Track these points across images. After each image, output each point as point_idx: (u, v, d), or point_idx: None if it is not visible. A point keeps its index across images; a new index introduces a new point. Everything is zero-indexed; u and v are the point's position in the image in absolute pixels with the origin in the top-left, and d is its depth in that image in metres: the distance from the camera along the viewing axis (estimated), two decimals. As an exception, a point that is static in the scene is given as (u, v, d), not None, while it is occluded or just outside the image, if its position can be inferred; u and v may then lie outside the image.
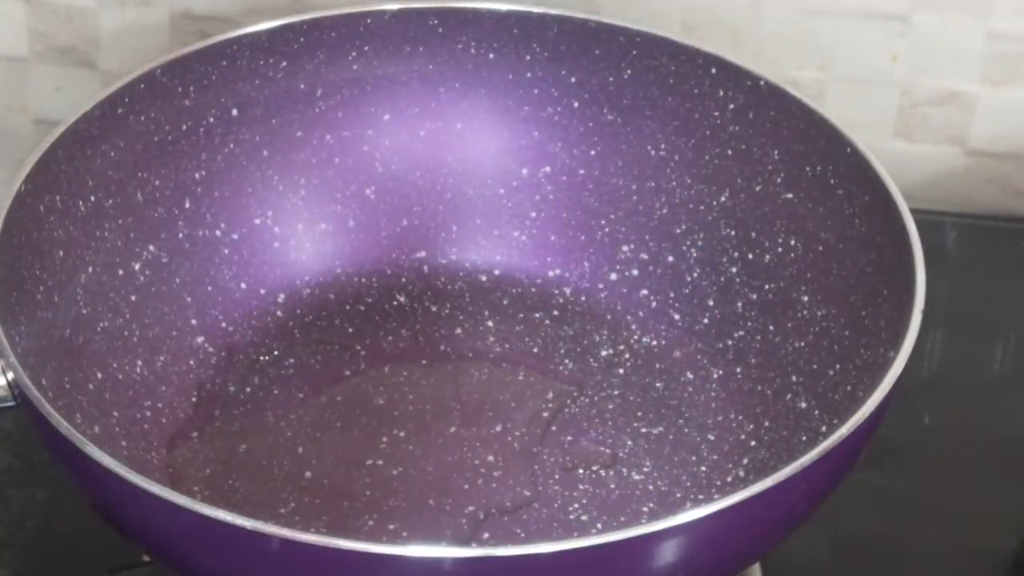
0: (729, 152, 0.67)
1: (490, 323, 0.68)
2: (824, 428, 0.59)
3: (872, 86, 0.78)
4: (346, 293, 0.69)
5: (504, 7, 0.69)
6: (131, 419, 0.61)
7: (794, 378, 0.63)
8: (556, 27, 0.69)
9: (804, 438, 0.60)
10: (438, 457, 0.62)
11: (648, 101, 0.69)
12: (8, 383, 0.54)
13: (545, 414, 0.64)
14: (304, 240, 0.69)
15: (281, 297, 0.68)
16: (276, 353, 0.66)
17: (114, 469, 0.50)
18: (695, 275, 0.68)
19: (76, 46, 0.79)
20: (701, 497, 0.61)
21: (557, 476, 0.62)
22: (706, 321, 0.67)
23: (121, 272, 0.64)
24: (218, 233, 0.67)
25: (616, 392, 0.65)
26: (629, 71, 0.69)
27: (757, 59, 0.77)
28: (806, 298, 0.64)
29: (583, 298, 0.69)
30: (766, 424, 0.63)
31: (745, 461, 0.62)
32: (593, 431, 0.63)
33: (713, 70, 0.67)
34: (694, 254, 0.68)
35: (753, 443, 0.62)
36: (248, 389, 0.65)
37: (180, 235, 0.66)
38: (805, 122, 0.65)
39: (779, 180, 0.66)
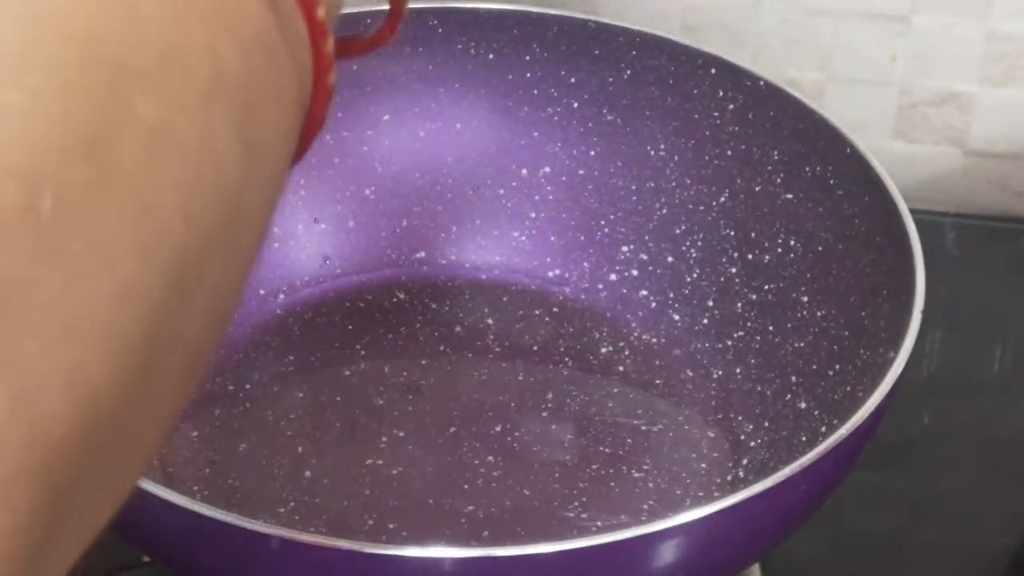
0: (729, 152, 0.67)
1: (490, 322, 0.68)
2: (824, 428, 0.59)
3: (872, 86, 0.78)
4: (346, 293, 0.69)
5: (504, 7, 0.69)
6: (131, 419, 0.61)
7: (794, 378, 0.63)
8: (556, 27, 0.69)
9: (804, 438, 0.60)
10: (438, 457, 0.62)
11: (648, 101, 0.68)
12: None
13: (545, 414, 0.64)
14: (304, 240, 0.69)
15: (281, 297, 0.68)
16: (276, 352, 0.66)
17: (114, 469, 0.50)
18: (695, 275, 0.68)
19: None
20: (701, 496, 0.61)
21: (557, 475, 0.62)
22: (706, 321, 0.67)
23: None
24: (218, 233, 0.67)
25: (616, 391, 0.65)
26: (629, 71, 0.69)
27: (757, 59, 0.77)
28: (806, 298, 0.64)
29: (583, 298, 0.69)
30: (766, 424, 0.63)
31: (745, 461, 0.62)
32: (593, 430, 0.63)
33: (713, 70, 0.67)
34: (694, 254, 0.68)
35: (753, 443, 0.62)
36: (248, 387, 0.65)
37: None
38: (805, 122, 0.65)
39: (779, 180, 0.66)
